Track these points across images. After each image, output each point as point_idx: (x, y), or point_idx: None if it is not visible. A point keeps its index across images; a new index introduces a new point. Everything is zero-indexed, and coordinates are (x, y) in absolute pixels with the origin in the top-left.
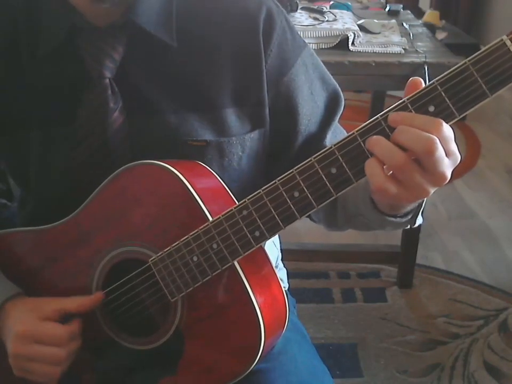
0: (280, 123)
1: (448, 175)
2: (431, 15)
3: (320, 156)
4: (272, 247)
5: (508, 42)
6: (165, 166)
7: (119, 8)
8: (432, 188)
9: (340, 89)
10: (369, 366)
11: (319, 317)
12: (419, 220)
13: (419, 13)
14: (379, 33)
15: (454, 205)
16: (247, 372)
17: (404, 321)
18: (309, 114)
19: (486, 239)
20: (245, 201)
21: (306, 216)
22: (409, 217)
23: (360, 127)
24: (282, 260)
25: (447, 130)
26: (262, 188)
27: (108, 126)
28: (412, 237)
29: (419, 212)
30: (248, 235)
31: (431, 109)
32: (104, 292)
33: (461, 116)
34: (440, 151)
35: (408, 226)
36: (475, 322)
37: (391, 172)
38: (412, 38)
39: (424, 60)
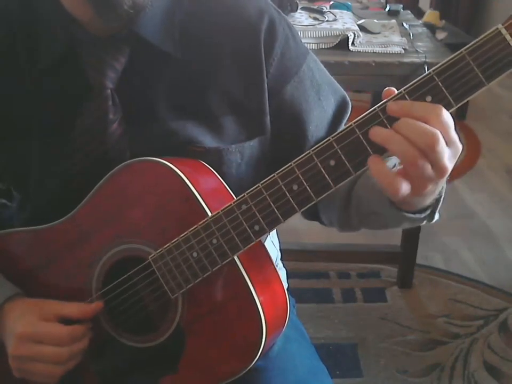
0: (287, 130)
1: (450, 167)
2: (431, 15)
3: (319, 148)
4: (272, 247)
5: (503, 31)
6: (163, 163)
7: (122, 20)
8: (434, 180)
9: (346, 95)
10: (369, 366)
11: (319, 317)
12: (436, 216)
13: (419, 13)
14: (379, 33)
15: (454, 205)
16: (247, 369)
17: (404, 321)
18: (315, 120)
19: (485, 239)
20: (244, 195)
21: (316, 220)
22: (428, 212)
23: (357, 118)
24: (281, 259)
25: (447, 116)
26: (261, 182)
27: (107, 137)
28: (412, 237)
29: (437, 207)
30: (248, 229)
31: (428, 99)
32: (104, 291)
33: (458, 105)
34: (442, 143)
35: (424, 222)
36: (475, 322)
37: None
38: (412, 38)
39: (424, 59)
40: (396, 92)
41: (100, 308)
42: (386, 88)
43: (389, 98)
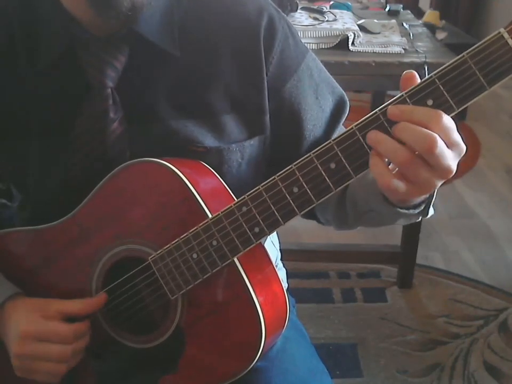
0: (285, 129)
1: (453, 167)
2: (431, 15)
3: (319, 151)
4: (271, 247)
5: (506, 35)
6: (163, 164)
7: (122, 18)
8: (439, 181)
9: (345, 94)
10: (369, 366)
11: (319, 317)
12: (431, 211)
13: (419, 13)
14: (379, 33)
15: (454, 205)
16: (247, 370)
17: (404, 321)
18: (313, 119)
19: (486, 239)
20: (244, 197)
21: (313, 219)
22: (422, 208)
23: (358, 121)
24: (281, 259)
25: (448, 121)
26: (261, 184)
27: (107, 136)
28: (411, 237)
29: (431, 202)
30: (248, 231)
31: (430, 102)
32: (104, 291)
33: (460, 109)
34: (441, 146)
35: (420, 218)
36: (475, 322)
37: (397, 169)
38: (412, 38)
39: (424, 60)
40: (417, 75)
41: (102, 301)
42: (406, 71)
43: (390, 101)
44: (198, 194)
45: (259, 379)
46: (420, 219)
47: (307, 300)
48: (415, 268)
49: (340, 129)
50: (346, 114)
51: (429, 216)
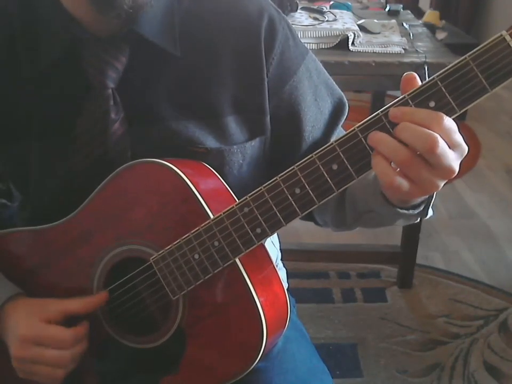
0: (284, 130)
1: (455, 167)
2: (431, 15)
3: (321, 152)
4: (272, 247)
5: (508, 38)
6: (165, 164)
7: (123, 18)
8: (441, 181)
9: (344, 96)
10: (369, 366)
11: (319, 317)
12: (430, 212)
13: (419, 13)
14: (379, 33)
15: (454, 205)
16: (248, 370)
17: (404, 321)
18: (312, 120)
19: (486, 239)
20: (246, 198)
21: (311, 221)
22: (421, 208)
23: (360, 123)
24: (281, 259)
25: (449, 122)
26: (263, 185)
27: (108, 137)
28: (412, 237)
29: (430, 202)
30: (250, 232)
31: (432, 104)
32: (106, 290)
33: (461, 111)
34: (442, 146)
35: (418, 220)
36: (475, 322)
37: (399, 169)
38: (412, 38)
39: (424, 60)
40: (417, 76)
41: (103, 299)
42: (406, 73)
43: (392, 103)
44: (200, 194)
45: (259, 379)
46: (418, 220)
47: (307, 300)
48: (415, 268)
49: (339, 131)
50: (345, 116)
51: (428, 217)
